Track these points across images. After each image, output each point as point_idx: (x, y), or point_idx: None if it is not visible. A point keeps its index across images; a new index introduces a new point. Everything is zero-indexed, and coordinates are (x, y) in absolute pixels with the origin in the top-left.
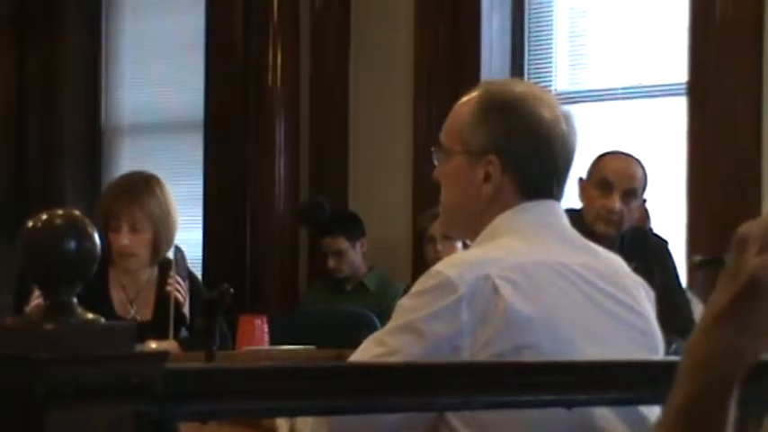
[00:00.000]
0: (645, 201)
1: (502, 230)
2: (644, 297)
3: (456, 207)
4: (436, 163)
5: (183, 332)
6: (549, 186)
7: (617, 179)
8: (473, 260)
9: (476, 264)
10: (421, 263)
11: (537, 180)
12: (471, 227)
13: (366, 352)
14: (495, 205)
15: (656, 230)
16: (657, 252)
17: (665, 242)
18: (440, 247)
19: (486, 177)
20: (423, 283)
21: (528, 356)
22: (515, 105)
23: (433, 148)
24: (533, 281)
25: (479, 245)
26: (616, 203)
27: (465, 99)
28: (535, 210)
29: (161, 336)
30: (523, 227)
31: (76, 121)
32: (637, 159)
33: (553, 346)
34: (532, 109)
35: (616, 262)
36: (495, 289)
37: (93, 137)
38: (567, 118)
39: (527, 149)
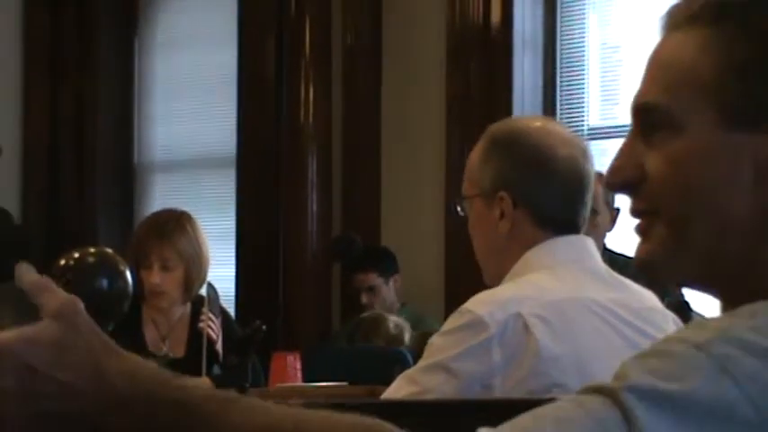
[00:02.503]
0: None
1: (532, 266)
2: None
3: (484, 253)
4: (461, 214)
5: (216, 369)
6: (567, 217)
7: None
8: (504, 298)
9: (506, 302)
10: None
11: (551, 211)
12: (499, 269)
13: (398, 391)
14: (516, 241)
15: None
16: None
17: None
18: None
19: (502, 215)
20: (453, 321)
21: (559, 395)
22: (517, 139)
23: (455, 200)
24: (564, 318)
25: (510, 281)
26: (594, 226)
27: (476, 146)
28: (565, 245)
29: (193, 373)
30: (553, 262)
31: (109, 157)
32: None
33: (583, 384)
34: (536, 141)
35: (647, 297)
36: (527, 327)
37: (125, 173)
38: (581, 148)
39: (534, 181)
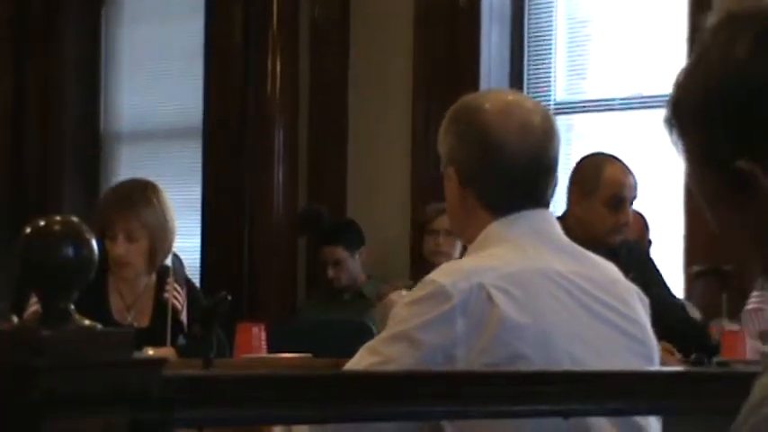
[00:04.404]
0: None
1: (495, 239)
2: (639, 305)
3: (449, 211)
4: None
5: (181, 339)
6: (513, 202)
7: (628, 194)
8: (467, 269)
9: (470, 272)
10: (418, 254)
11: (496, 196)
12: (461, 231)
13: (361, 361)
14: (469, 216)
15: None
16: (651, 265)
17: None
18: (441, 240)
19: (456, 188)
20: (417, 292)
21: (522, 366)
22: (469, 117)
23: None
24: (527, 290)
25: (473, 252)
26: (629, 217)
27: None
28: (528, 218)
29: (158, 343)
30: (516, 235)
31: (75, 127)
32: (625, 163)
33: (547, 355)
34: (487, 124)
35: (611, 270)
36: (490, 298)
37: (91, 143)
38: (542, 129)
39: (480, 166)
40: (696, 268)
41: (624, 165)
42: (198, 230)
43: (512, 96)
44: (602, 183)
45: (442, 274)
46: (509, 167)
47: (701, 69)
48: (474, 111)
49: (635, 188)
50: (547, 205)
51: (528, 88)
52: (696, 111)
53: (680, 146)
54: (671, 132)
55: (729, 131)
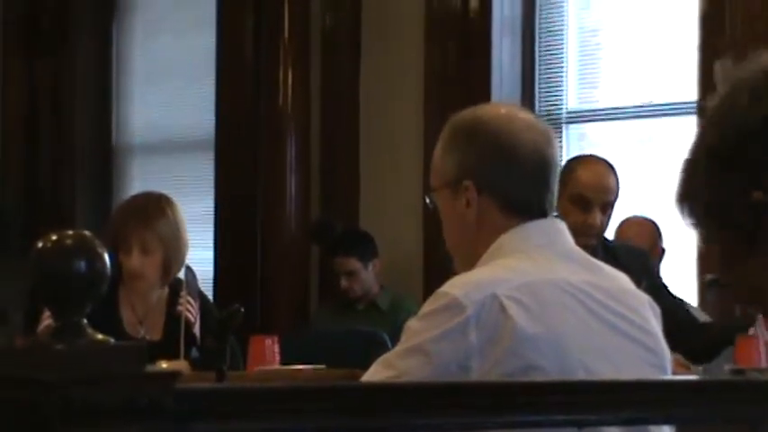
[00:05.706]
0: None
1: (506, 250)
2: (650, 314)
3: (454, 243)
4: (431, 206)
5: (194, 352)
6: (531, 202)
7: (595, 195)
8: (480, 280)
9: (483, 284)
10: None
11: (515, 197)
12: (470, 258)
13: (375, 375)
14: (484, 229)
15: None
16: (655, 271)
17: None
18: None
19: (468, 204)
20: (430, 304)
21: (536, 376)
22: (477, 128)
23: (425, 196)
24: (540, 300)
25: (485, 264)
26: (597, 220)
27: (439, 138)
28: (538, 228)
29: (170, 356)
30: (526, 246)
31: (87, 140)
32: (608, 165)
33: (560, 365)
34: (496, 128)
35: (621, 279)
36: (503, 309)
37: (103, 156)
38: (543, 133)
39: (496, 168)
40: (709, 277)
41: (602, 168)
42: (211, 242)
43: (503, 107)
44: (571, 180)
45: (455, 286)
46: (525, 163)
47: (700, 141)
48: (477, 122)
49: (606, 192)
50: (548, 212)
51: (540, 97)
52: (707, 168)
53: (694, 219)
54: (687, 215)
55: (741, 172)
